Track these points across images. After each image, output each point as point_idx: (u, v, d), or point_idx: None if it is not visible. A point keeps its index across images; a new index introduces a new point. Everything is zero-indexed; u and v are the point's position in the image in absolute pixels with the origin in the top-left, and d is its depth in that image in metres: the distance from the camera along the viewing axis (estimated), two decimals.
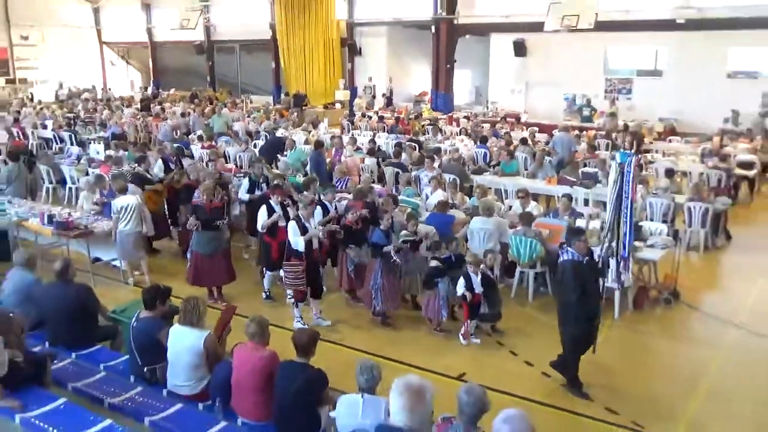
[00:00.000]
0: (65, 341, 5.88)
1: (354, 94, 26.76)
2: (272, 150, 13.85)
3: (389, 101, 25.64)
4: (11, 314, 5.42)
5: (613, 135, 17.25)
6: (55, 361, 5.40)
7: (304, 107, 24.26)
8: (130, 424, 4.63)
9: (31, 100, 27.21)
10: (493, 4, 22.72)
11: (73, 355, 5.77)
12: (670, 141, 17.69)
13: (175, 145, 13.54)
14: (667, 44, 20.23)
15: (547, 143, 15.51)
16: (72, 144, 16.55)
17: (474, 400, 3.70)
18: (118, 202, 8.69)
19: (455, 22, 23.72)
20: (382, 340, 7.43)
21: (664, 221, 10.14)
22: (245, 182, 9.68)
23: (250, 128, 18.42)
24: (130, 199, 8.73)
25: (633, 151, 7.64)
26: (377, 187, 10.93)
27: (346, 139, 14.83)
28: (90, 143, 15.96)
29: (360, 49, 26.89)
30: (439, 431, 3.79)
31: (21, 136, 17.21)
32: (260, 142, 15.86)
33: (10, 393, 4.66)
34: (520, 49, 22.74)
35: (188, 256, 8.52)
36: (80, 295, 6.01)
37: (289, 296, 8.09)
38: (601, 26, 19.11)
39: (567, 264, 6.15)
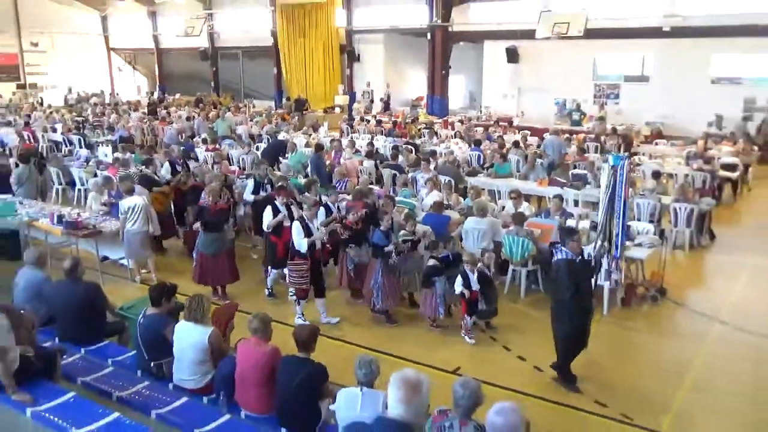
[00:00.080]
0: (74, 337, 5.87)
1: (353, 98, 26.74)
2: (274, 152, 13.84)
3: (387, 106, 25.62)
4: (22, 311, 5.42)
5: (602, 138, 17.29)
6: (65, 357, 5.39)
7: (304, 111, 24.25)
8: (137, 417, 4.61)
9: (41, 104, 27.14)
10: (487, 13, 22.78)
11: (82, 350, 5.76)
12: (656, 144, 17.72)
13: (181, 148, 13.53)
14: (653, 51, 20.26)
15: (538, 146, 15.54)
16: (81, 147, 16.53)
17: (469, 393, 3.70)
18: (126, 202, 8.68)
19: (450, 29, 23.73)
20: (381, 336, 7.43)
21: (651, 221, 10.17)
22: (250, 183, 9.66)
23: (252, 131, 18.41)
24: (137, 199, 8.72)
25: (627, 154, 7.61)
26: (376, 188, 10.92)
27: (345, 142, 14.82)
28: (98, 146, 15.97)
29: (358, 55, 26.88)
30: (435, 423, 3.79)
31: (31, 140, 17.17)
32: (262, 145, 15.86)
33: (21, 387, 4.64)
34: (512, 55, 22.75)
35: (194, 255, 8.51)
36: (89, 292, 6.00)
37: (291, 294, 8.09)
38: (591, 34, 19.13)
39: (561, 263, 6.14)
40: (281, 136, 16.59)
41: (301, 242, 7.30)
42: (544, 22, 20.00)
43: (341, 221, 8.10)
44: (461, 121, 21.31)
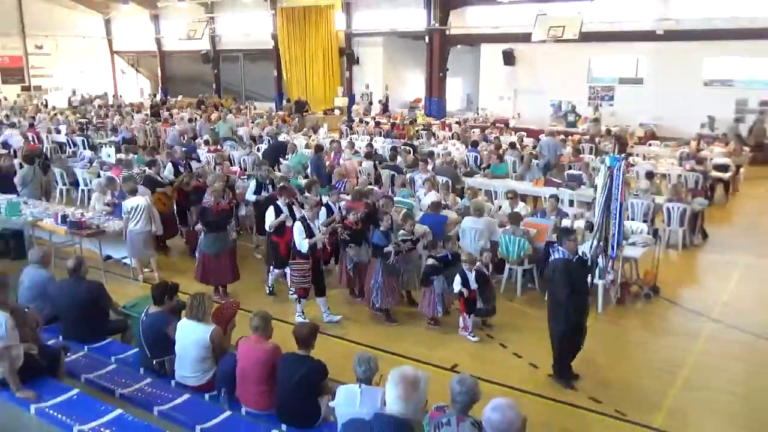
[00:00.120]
0: (78, 335, 5.86)
1: (352, 100, 26.75)
2: (275, 153, 13.84)
3: (385, 107, 25.63)
4: (26, 309, 5.42)
5: (596, 139, 17.31)
6: (69, 354, 5.39)
7: (304, 113, 24.25)
8: (139, 413, 4.61)
9: (46, 106, 27.14)
10: (483, 16, 22.78)
11: (86, 348, 5.76)
12: (650, 145, 17.72)
13: (183, 149, 13.51)
14: (647, 54, 20.29)
15: (534, 147, 15.53)
16: (84, 148, 16.50)
17: (466, 389, 3.70)
18: (129, 202, 8.67)
19: (447, 32, 23.76)
20: (380, 334, 7.42)
21: (645, 221, 10.16)
22: (252, 184, 9.65)
23: (253, 133, 18.40)
24: (140, 200, 8.70)
25: (623, 156, 7.59)
26: (376, 189, 10.91)
27: (344, 143, 14.82)
28: (102, 147, 15.92)
29: (358, 58, 26.88)
30: (432, 419, 3.78)
31: (36, 141, 17.14)
32: (263, 146, 15.84)
33: (25, 384, 4.63)
34: (508, 58, 22.76)
35: (197, 255, 8.50)
36: (92, 291, 5.98)
37: (291, 292, 8.08)
38: (586, 37, 19.17)
39: (558, 263, 6.12)
40: (282, 138, 16.58)
41: (302, 243, 7.28)
42: (540, 26, 20.02)
43: (342, 221, 8.10)
44: (458, 123, 21.32)
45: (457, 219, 9.17)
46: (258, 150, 15.28)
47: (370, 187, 10.41)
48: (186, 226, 10.15)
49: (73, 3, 31.86)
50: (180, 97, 30.83)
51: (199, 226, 8.20)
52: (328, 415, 4.64)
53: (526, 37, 20.48)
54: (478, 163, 14.25)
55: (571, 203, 11.23)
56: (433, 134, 18.80)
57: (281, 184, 9.10)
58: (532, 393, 6.14)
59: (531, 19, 20.26)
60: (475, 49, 24.61)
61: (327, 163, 12.75)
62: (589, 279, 6.63)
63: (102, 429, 4.22)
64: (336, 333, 7.39)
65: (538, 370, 6.57)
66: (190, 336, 5.12)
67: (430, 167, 12.00)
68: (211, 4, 29.26)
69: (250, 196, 9.51)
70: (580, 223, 8.78)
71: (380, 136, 18.43)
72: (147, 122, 21.30)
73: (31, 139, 16.99)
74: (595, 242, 7.06)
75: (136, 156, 12.85)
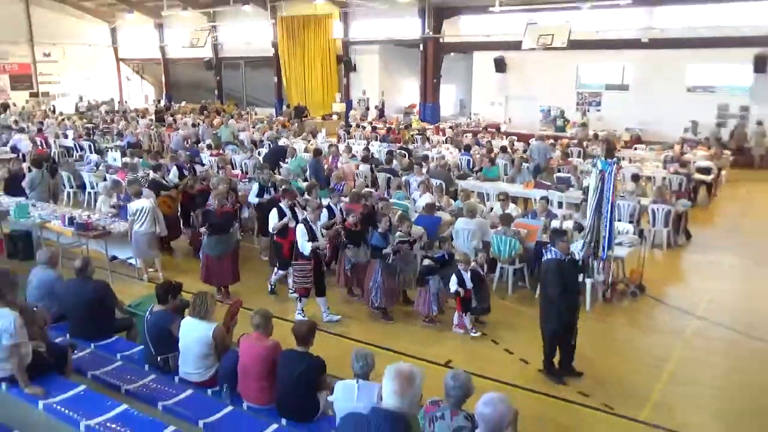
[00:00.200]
0: (85, 333, 5.84)
1: (349, 106, 26.75)
2: (275, 157, 13.83)
3: (381, 113, 25.63)
4: (35, 308, 5.40)
5: (584, 143, 17.34)
6: (76, 351, 5.36)
7: (303, 118, 24.22)
8: (144, 408, 4.59)
9: (53, 111, 27.03)
10: (476, 25, 22.81)
11: (92, 345, 5.73)
12: (635, 149, 17.76)
13: (187, 153, 13.49)
14: (632, 61, 20.35)
15: (524, 151, 15.56)
16: (91, 152, 16.47)
17: (459, 384, 3.70)
18: (134, 205, 8.65)
19: (441, 41, 23.79)
20: (377, 331, 7.41)
21: (631, 221, 10.20)
22: (255, 187, 9.63)
23: (254, 137, 18.37)
24: (145, 202, 8.69)
25: (614, 160, 7.60)
26: (373, 191, 10.91)
27: (342, 147, 14.82)
28: (107, 151, 15.90)
29: (355, 65, 26.88)
30: (427, 413, 3.78)
31: (44, 145, 17.09)
32: (264, 150, 15.82)
33: (33, 381, 4.61)
34: (500, 65, 22.81)
35: (200, 256, 8.48)
36: (98, 290, 5.96)
37: (291, 291, 8.06)
38: (574, 45, 19.20)
39: (551, 263, 6.11)
40: (282, 142, 16.57)
41: (304, 245, 7.25)
42: (530, 34, 20.05)
43: (342, 222, 8.09)
44: (452, 128, 21.34)
45: (451, 220, 9.17)
46: (259, 154, 15.26)
47: (367, 189, 10.40)
48: (191, 228, 10.12)
49: (80, 12, 31.81)
50: (183, 103, 30.77)
51: (202, 229, 8.18)
52: (327, 410, 4.63)
53: (516, 45, 20.51)
54: (471, 167, 14.27)
55: (560, 205, 11.25)
56: (428, 138, 18.82)
57: (283, 186, 9.09)
58: (524, 388, 6.14)
59: (521, 28, 20.29)
60: (468, 56, 24.63)
61: (325, 166, 12.74)
62: (580, 278, 6.63)
63: (108, 424, 4.20)
64: (334, 331, 7.38)
65: (529, 365, 6.57)
66: (193, 333, 5.11)
67: (424, 170, 12.02)
68: (214, 14, 29.22)
69: (253, 199, 9.49)
70: (568, 224, 8.79)
71: (376, 140, 18.41)
72: (151, 127, 21.26)
73: (39, 143, 16.93)
74: (586, 243, 7.06)
75: (140, 160, 12.83)
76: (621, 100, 20.73)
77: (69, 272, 6.36)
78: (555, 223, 8.70)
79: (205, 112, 26.60)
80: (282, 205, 8.10)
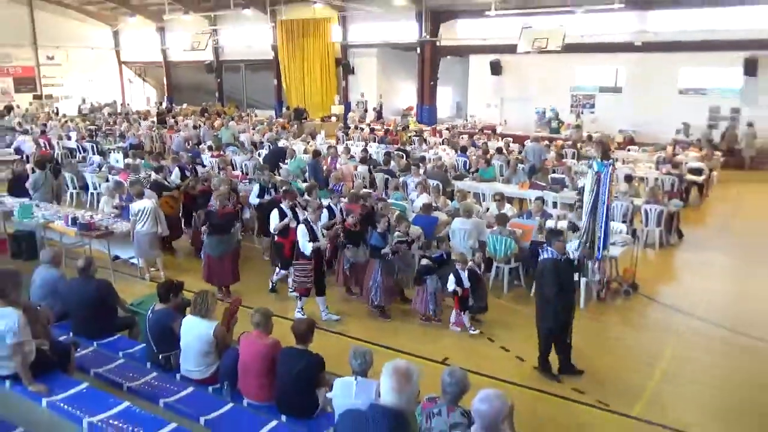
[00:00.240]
0: (87, 331, 5.83)
1: (348, 108, 26.72)
2: (275, 158, 13.82)
3: (379, 115, 25.61)
4: (38, 307, 5.39)
5: (578, 145, 17.35)
6: (79, 350, 5.35)
7: (303, 120, 24.20)
8: (146, 405, 4.59)
9: (57, 113, 26.96)
10: (472, 29, 22.82)
11: (95, 343, 5.72)
12: (628, 150, 17.77)
13: (188, 154, 13.47)
14: (626, 64, 20.38)
15: (520, 152, 15.56)
16: (94, 153, 16.44)
17: (456, 381, 3.70)
18: (135, 205, 8.64)
19: (438, 44, 23.78)
20: (375, 329, 7.41)
21: (624, 221, 10.22)
22: (255, 188, 9.61)
23: (254, 139, 18.36)
24: (146, 202, 8.67)
25: (610, 161, 7.60)
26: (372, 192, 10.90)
27: (340, 148, 14.82)
28: (110, 153, 15.88)
29: (353, 68, 26.86)
30: (424, 409, 3.78)
31: (47, 147, 17.04)
32: (264, 152, 15.82)
33: (37, 378, 4.61)
34: (495, 68, 22.81)
35: (202, 256, 8.47)
36: (101, 289, 5.96)
37: (291, 290, 8.05)
38: (568, 48, 19.22)
39: (548, 262, 6.10)
40: (281, 143, 16.56)
41: (305, 245, 7.24)
42: (525, 38, 20.06)
43: (342, 222, 8.08)
44: (448, 129, 21.34)
45: (448, 220, 9.17)
46: (259, 155, 15.25)
47: (365, 190, 10.40)
48: (193, 227, 10.10)
49: (82, 16, 31.74)
50: (185, 105, 30.71)
51: (202, 228, 8.17)
52: (326, 406, 4.63)
53: (512, 49, 20.52)
54: (467, 167, 14.28)
55: (554, 205, 11.26)
56: (425, 140, 18.82)
57: (284, 187, 9.07)
58: (519, 384, 6.15)
59: (517, 32, 20.30)
60: (464, 59, 24.64)
61: (324, 167, 12.74)
62: (575, 277, 6.63)
63: (110, 421, 4.19)
64: (333, 329, 7.38)
65: (524, 363, 6.58)
66: (194, 331, 5.11)
67: (421, 171, 12.01)
68: (215, 17, 29.17)
69: (254, 200, 9.49)
70: (563, 224, 8.80)
71: (375, 141, 18.41)
72: (153, 129, 21.23)
73: (42, 145, 16.90)
74: (582, 244, 7.06)
75: (142, 161, 12.81)
76: (614, 102, 20.75)
77: (72, 272, 6.35)
78: (550, 223, 8.71)
79: (206, 114, 26.55)
80: (283, 205, 8.09)
